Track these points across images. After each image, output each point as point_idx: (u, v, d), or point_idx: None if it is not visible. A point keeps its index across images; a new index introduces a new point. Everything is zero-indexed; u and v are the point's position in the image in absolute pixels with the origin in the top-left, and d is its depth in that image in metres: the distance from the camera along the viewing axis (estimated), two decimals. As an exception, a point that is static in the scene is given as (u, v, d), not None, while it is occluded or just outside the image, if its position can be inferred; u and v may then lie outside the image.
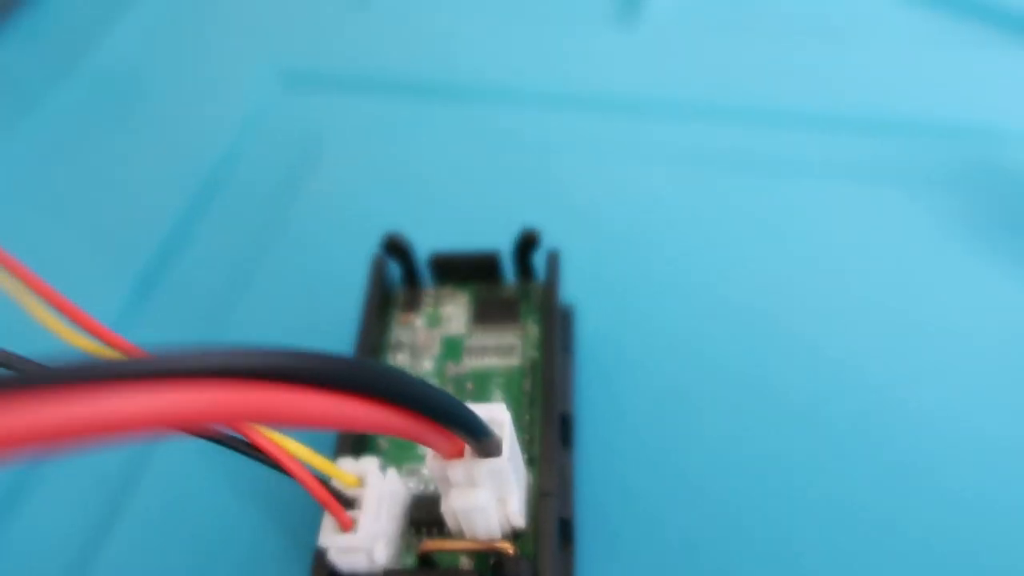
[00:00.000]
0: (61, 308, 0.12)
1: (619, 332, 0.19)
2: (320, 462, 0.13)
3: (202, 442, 0.18)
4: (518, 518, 0.13)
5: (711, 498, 0.16)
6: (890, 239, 0.20)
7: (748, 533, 0.16)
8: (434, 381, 0.17)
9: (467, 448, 0.12)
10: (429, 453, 0.12)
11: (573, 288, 0.19)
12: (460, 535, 0.14)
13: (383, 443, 0.16)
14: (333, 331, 0.18)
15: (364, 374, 0.10)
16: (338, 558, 0.13)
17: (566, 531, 0.15)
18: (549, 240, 0.18)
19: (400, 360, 0.17)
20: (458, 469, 0.12)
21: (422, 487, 0.15)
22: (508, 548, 0.13)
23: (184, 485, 0.17)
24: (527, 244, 0.17)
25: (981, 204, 0.20)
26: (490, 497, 0.12)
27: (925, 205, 0.21)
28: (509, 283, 0.18)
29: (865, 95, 0.24)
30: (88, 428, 0.07)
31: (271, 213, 0.22)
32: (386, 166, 0.23)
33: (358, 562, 0.13)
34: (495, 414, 0.12)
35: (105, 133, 0.25)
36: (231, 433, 0.12)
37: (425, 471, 0.15)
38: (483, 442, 0.12)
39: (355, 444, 0.15)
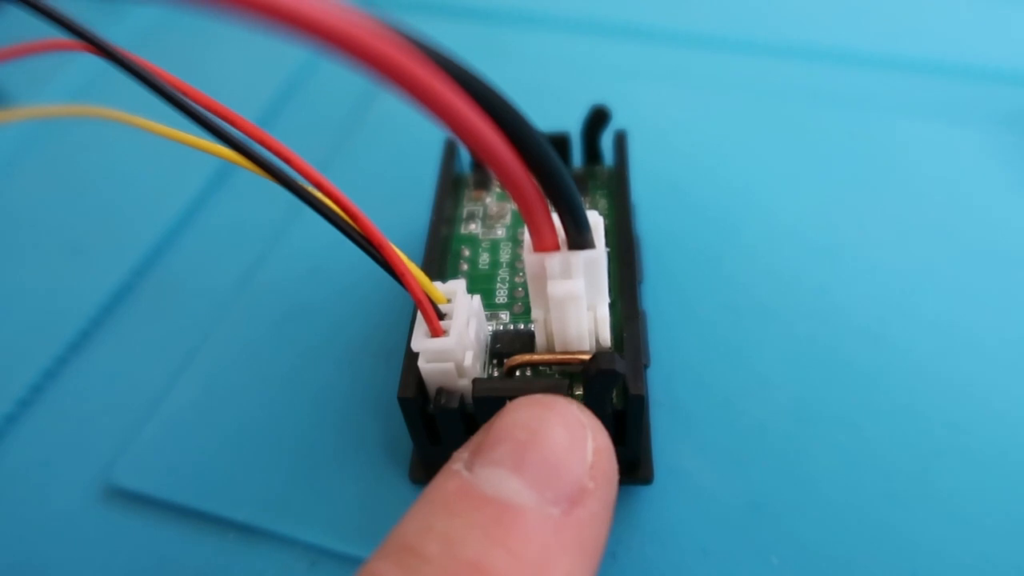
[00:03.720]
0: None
1: (682, 233, 0.20)
2: (418, 272, 0.13)
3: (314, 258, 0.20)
4: (605, 328, 0.14)
5: (778, 388, 0.16)
6: (961, 175, 0.21)
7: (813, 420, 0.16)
8: (507, 245, 0.17)
9: (562, 242, 0.13)
10: (526, 248, 0.13)
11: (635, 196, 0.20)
12: (547, 350, 0.14)
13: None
14: (414, 204, 0.19)
15: (531, 133, 0.10)
16: (427, 366, 0.13)
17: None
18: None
19: (472, 229, 0.17)
20: (555, 259, 0.12)
21: (500, 328, 0.15)
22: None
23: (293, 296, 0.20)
24: (597, 120, 0.18)
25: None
26: (584, 291, 0.13)
27: (1000, 146, 0.21)
28: (576, 167, 0.19)
29: (946, 41, 0.25)
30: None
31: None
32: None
33: (447, 371, 0.13)
34: (590, 217, 0.13)
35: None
36: (356, 227, 0.13)
37: (502, 315, 0.15)
38: (582, 235, 0.12)
39: (439, 270, 0.15)
